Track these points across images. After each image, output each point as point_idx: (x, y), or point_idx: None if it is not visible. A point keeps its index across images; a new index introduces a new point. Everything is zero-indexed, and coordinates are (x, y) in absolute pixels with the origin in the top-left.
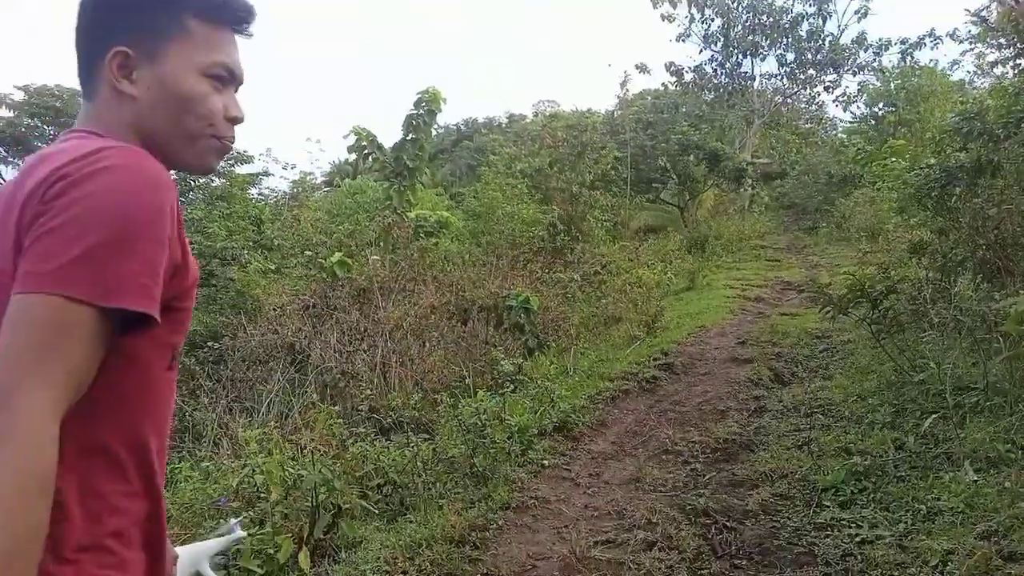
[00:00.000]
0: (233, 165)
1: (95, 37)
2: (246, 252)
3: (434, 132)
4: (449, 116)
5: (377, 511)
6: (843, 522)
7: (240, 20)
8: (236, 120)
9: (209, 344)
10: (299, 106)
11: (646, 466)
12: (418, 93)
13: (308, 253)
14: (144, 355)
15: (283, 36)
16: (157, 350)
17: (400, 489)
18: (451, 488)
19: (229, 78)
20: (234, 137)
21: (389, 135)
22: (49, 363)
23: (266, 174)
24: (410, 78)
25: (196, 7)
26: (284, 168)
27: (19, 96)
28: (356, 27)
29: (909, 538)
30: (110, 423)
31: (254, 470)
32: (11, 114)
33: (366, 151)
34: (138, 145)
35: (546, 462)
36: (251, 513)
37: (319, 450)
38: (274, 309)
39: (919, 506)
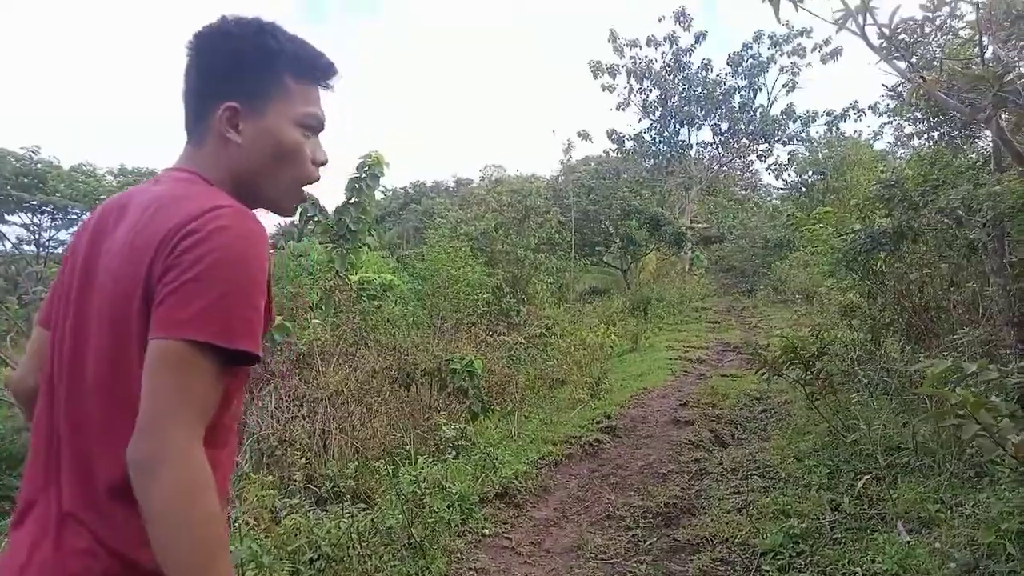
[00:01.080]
0: None
1: (207, 95)
2: None
3: (381, 195)
4: (397, 179)
5: None
6: None
7: (327, 77)
8: (322, 163)
9: None
10: None
11: (588, 533)
12: (360, 157)
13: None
14: (233, 390)
15: None
16: (239, 386)
17: (333, 563)
18: (387, 561)
19: (318, 127)
20: (319, 177)
21: (333, 199)
22: (189, 398)
23: None
24: (358, 143)
25: (293, 69)
26: None
27: None
28: None
29: None
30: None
31: None
32: None
33: (309, 214)
34: (232, 185)
35: (487, 531)
36: None
37: (249, 524)
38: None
39: (855, 569)
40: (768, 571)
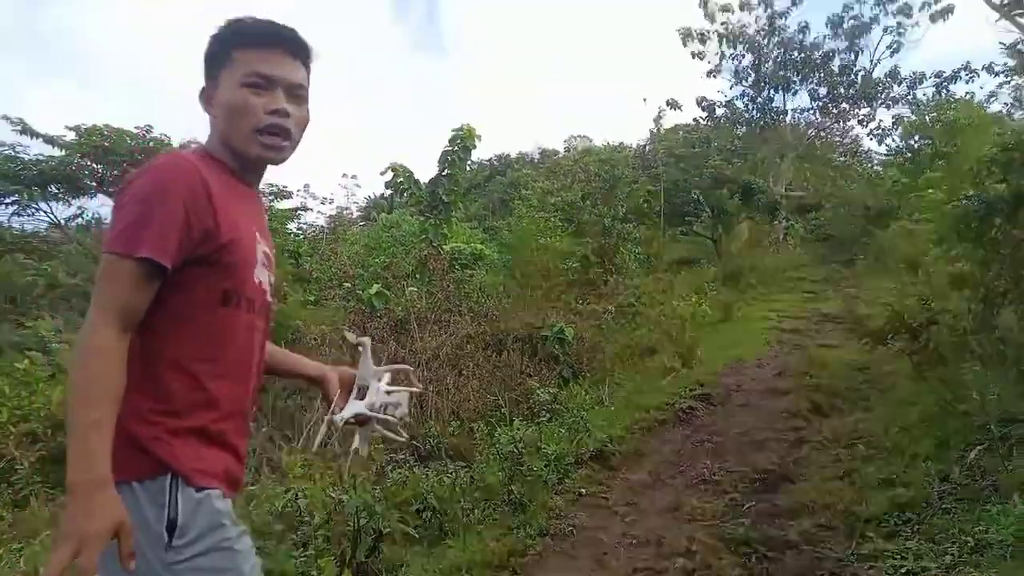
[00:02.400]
0: (273, 200)
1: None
2: (285, 284)
3: (468, 168)
4: (482, 152)
5: (417, 536)
6: (887, 553)
7: (268, 41)
8: (276, 112)
9: None
10: (335, 142)
11: (684, 496)
12: (453, 131)
13: (347, 285)
14: (193, 291)
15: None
16: (207, 290)
17: (439, 515)
18: (489, 514)
19: (265, 83)
20: (276, 124)
21: (424, 171)
22: (106, 296)
23: (304, 209)
24: (443, 115)
25: (237, 42)
26: (322, 203)
27: (70, 136)
28: (389, 64)
29: (956, 570)
30: (177, 341)
31: (297, 495)
32: (63, 153)
33: (403, 187)
34: (221, 149)
35: (583, 491)
36: (294, 536)
37: (359, 476)
38: (314, 339)
39: (966, 538)
40: (872, 537)
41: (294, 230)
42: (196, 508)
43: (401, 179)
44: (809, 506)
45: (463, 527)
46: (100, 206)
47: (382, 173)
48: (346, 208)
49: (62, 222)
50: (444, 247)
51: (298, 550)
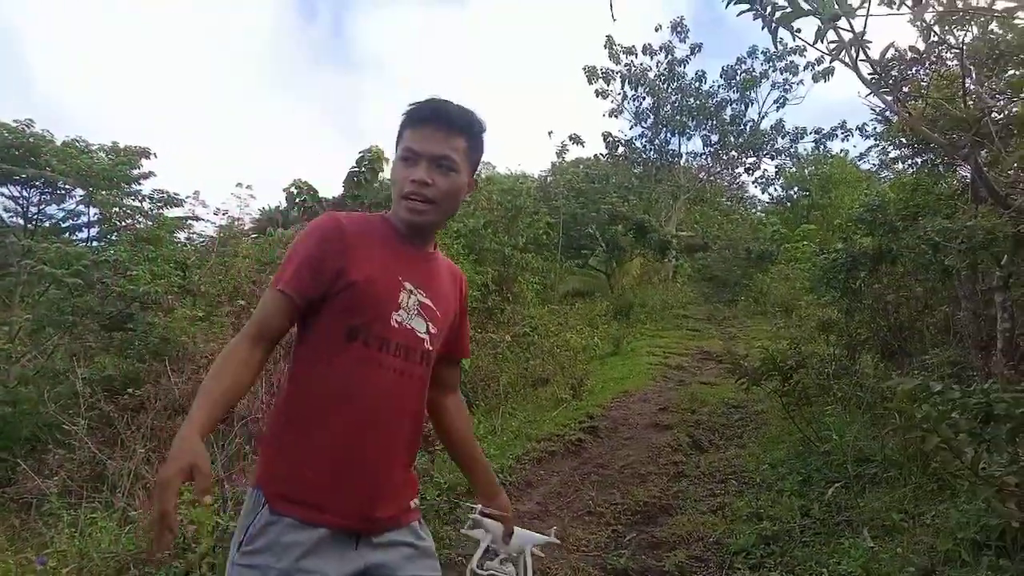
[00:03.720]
0: (161, 207)
1: None
2: (170, 297)
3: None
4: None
5: None
6: None
7: (417, 120)
8: (416, 182)
9: (129, 391)
10: (232, 151)
11: (570, 527)
12: (361, 152)
13: (240, 302)
14: (321, 326)
15: (216, 83)
16: (332, 324)
17: None
18: None
19: (413, 156)
20: (417, 193)
21: (327, 188)
22: (254, 315)
23: (194, 218)
24: (349, 130)
25: (403, 122)
26: (215, 213)
27: None
28: (293, 78)
29: None
30: (306, 372)
31: (183, 519)
32: None
33: (305, 204)
34: (395, 216)
35: None
36: (177, 565)
37: (241, 501)
38: (204, 357)
39: (822, 570)
40: (740, 569)
41: (183, 239)
42: (265, 528)
43: (305, 196)
44: (685, 538)
45: None
46: None
47: (285, 189)
48: (239, 219)
49: None
50: None
51: None
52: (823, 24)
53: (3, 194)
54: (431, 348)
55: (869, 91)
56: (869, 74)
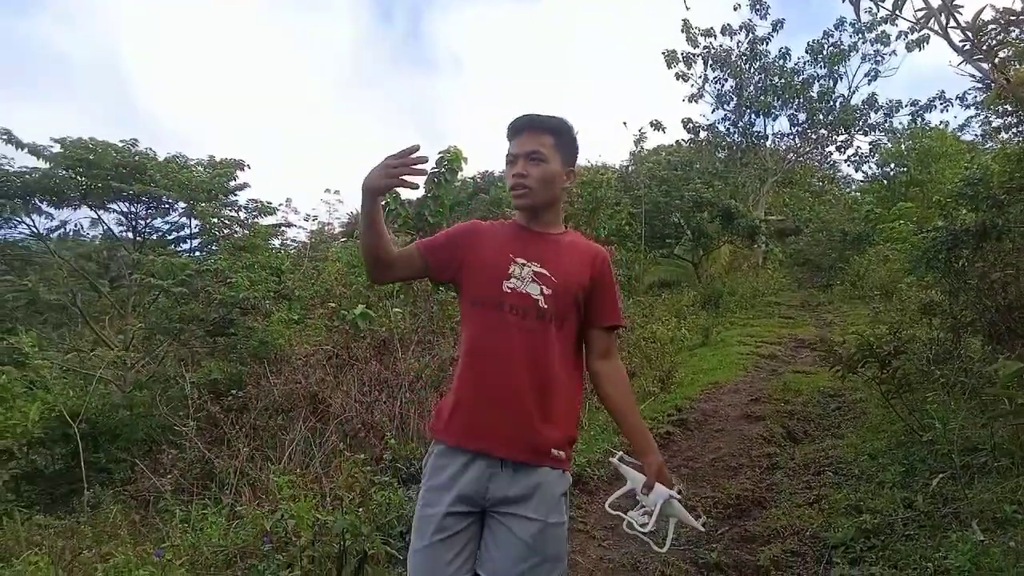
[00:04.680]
0: (256, 216)
1: None
2: (267, 302)
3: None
4: (467, 168)
5: (401, 558)
6: None
7: (515, 130)
8: (516, 175)
9: (232, 393)
10: (321, 157)
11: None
12: (440, 152)
13: (331, 305)
14: (462, 300)
15: (308, 90)
16: (464, 297)
17: None
18: None
19: (513, 158)
20: (518, 185)
21: (411, 191)
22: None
23: (287, 225)
24: (430, 128)
25: (508, 135)
26: (305, 219)
27: (56, 149)
28: (372, 75)
29: None
30: (463, 331)
31: (284, 515)
32: (47, 165)
33: (388, 207)
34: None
35: None
36: (280, 557)
37: (343, 497)
38: (299, 359)
39: (927, 564)
40: (839, 563)
41: (277, 246)
42: (429, 458)
43: (386, 199)
44: (780, 531)
45: None
46: (82, 218)
47: None
48: (328, 224)
49: (44, 232)
50: None
51: (284, 570)
52: None
53: (114, 210)
54: (547, 307)
55: (962, 59)
56: (961, 41)
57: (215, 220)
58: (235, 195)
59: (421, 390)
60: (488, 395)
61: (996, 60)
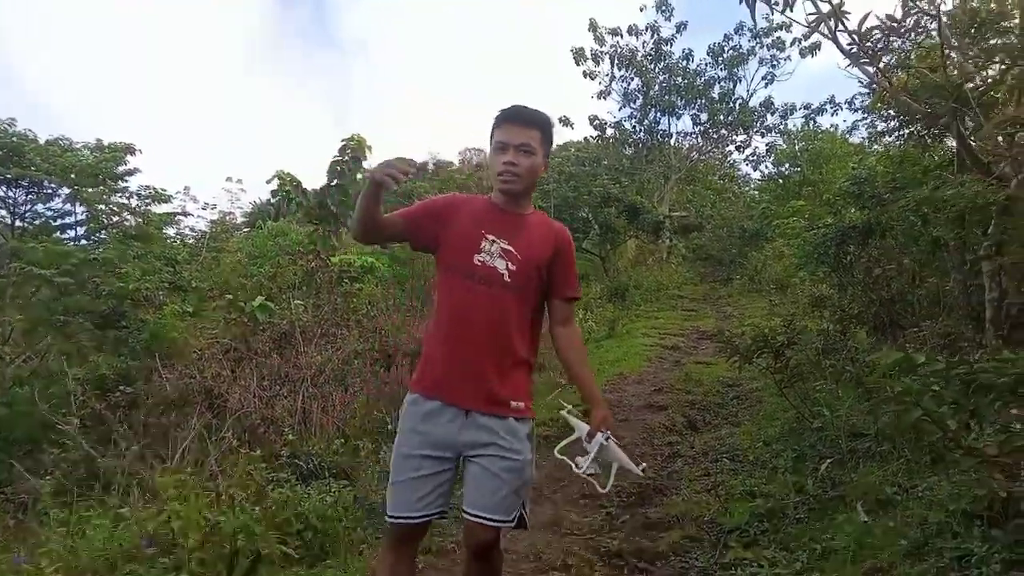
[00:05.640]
0: (149, 204)
1: None
2: (161, 294)
3: (359, 178)
4: (374, 160)
5: (297, 556)
6: (746, 562)
7: (507, 120)
8: (507, 163)
9: (121, 389)
10: (221, 144)
11: (564, 510)
12: (343, 140)
13: (228, 296)
14: (438, 266)
15: (209, 74)
16: (440, 263)
17: (320, 535)
18: (372, 534)
19: (503, 146)
20: (507, 171)
21: (314, 178)
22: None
23: (184, 214)
24: (337, 116)
25: (494, 122)
26: (203, 208)
27: None
28: (277, 57)
29: (804, 575)
30: (438, 293)
31: (171, 516)
32: None
33: (289, 196)
34: (494, 191)
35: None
36: (166, 561)
37: (237, 496)
38: (193, 353)
39: (815, 545)
40: (734, 547)
41: (173, 235)
42: (405, 406)
43: (288, 188)
44: (679, 518)
45: (345, 547)
46: None
47: (268, 181)
48: (229, 214)
49: None
50: (332, 259)
51: (171, 574)
52: None
53: None
54: (510, 280)
55: (849, 63)
56: (848, 44)
57: (103, 207)
58: (125, 181)
59: (324, 384)
60: (455, 354)
61: (880, 65)
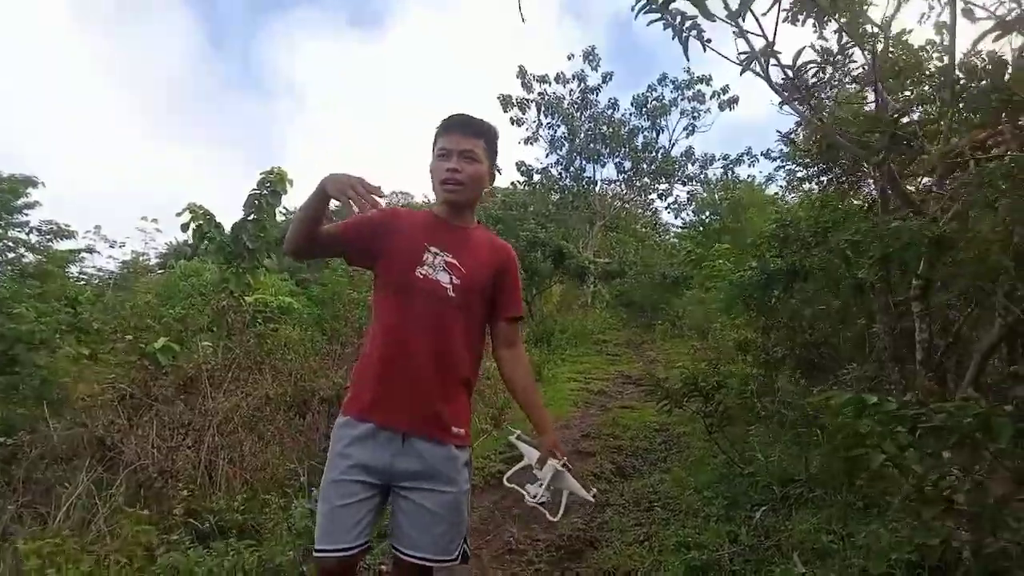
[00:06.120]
0: (51, 240)
1: None
2: (58, 336)
3: (281, 215)
4: (296, 198)
5: None
6: None
7: (450, 127)
8: (451, 170)
9: (0, 440)
10: (138, 189)
11: (490, 568)
12: (262, 173)
13: (128, 338)
14: (376, 283)
15: (121, 114)
16: (378, 280)
17: None
18: None
19: (446, 153)
20: (451, 178)
21: (233, 217)
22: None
23: (90, 251)
24: (265, 160)
25: (438, 131)
26: (111, 246)
27: None
28: (204, 107)
29: None
30: (373, 312)
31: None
32: None
33: (203, 231)
34: (437, 202)
35: (384, 567)
36: None
37: (120, 562)
38: (81, 399)
39: None
40: None
41: (76, 274)
42: (335, 430)
43: (201, 222)
44: (612, 573)
45: None
46: None
47: (178, 214)
48: (143, 254)
49: None
50: (247, 298)
51: None
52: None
53: None
54: (454, 295)
55: (781, 100)
56: (782, 80)
57: None
58: (24, 215)
59: (232, 432)
60: (393, 374)
61: (813, 102)
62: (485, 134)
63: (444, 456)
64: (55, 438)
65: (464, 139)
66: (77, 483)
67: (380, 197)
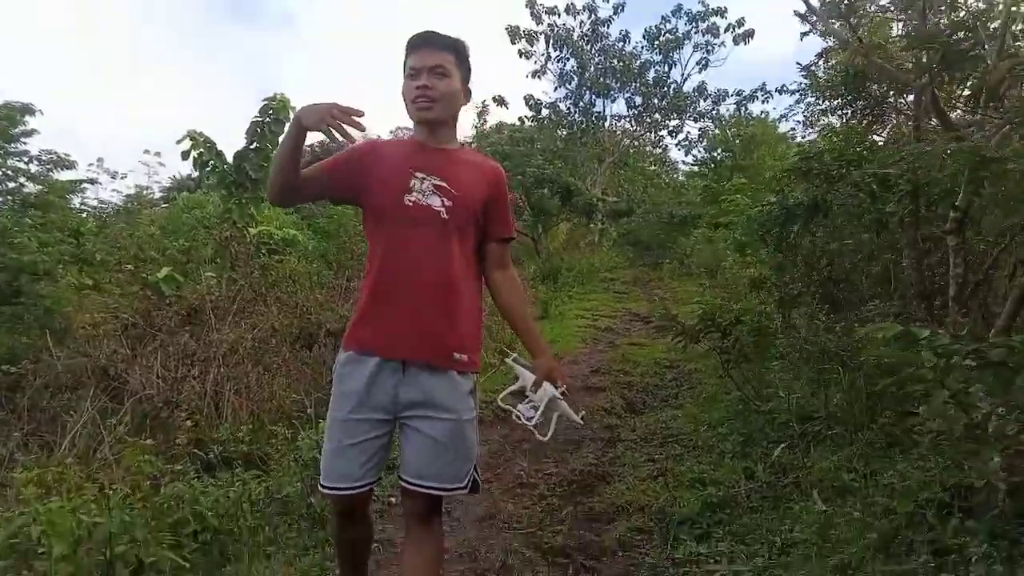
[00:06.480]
0: (51, 170)
1: None
2: (61, 266)
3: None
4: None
5: (190, 564)
6: (701, 557)
7: (417, 44)
8: (420, 86)
9: (2, 369)
10: (143, 122)
11: (500, 501)
12: (264, 100)
13: (129, 268)
14: (365, 217)
15: (125, 51)
16: (367, 213)
17: (220, 536)
18: (283, 532)
19: (415, 71)
20: (422, 95)
21: (235, 146)
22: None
23: (91, 182)
24: (265, 89)
25: (406, 51)
26: (113, 178)
27: None
28: (203, 37)
29: (767, 573)
30: (369, 249)
31: (32, 519)
32: None
33: (205, 159)
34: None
35: (393, 499)
36: (26, 574)
37: (123, 491)
38: (83, 328)
39: (774, 538)
40: (686, 540)
41: (78, 206)
42: (340, 365)
43: (201, 150)
44: (625, 508)
45: (249, 550)
46: None
47: (178, 142)
48: (147, 188)
49: None
50: (250, 230)
51: None
52: None
53: None
54: (448, 218)
55: (816, 18)
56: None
57: None
58: (22, 143)
59: (238, 364)
60: (392, 304)
61: (852, 20)
62: (454, 47)
63: (445, 383)
64: (59, 367)
65: (432, 54)
66: (82, 412)
67: (359, 117)
